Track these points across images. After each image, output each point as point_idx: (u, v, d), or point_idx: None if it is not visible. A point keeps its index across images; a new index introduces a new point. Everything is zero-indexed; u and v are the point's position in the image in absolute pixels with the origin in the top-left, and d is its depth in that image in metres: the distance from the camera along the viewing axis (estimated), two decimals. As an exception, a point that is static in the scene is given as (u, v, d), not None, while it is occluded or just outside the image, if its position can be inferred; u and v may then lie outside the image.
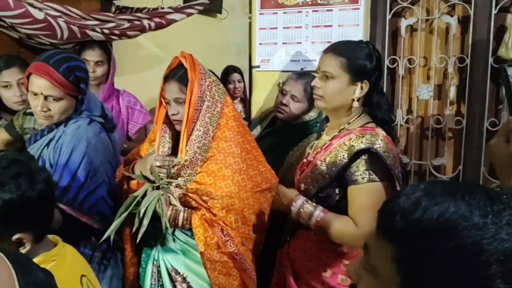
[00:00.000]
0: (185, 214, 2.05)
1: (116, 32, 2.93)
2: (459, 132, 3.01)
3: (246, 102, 4.30)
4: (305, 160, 2.16)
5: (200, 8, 3.32)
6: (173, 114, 2.05)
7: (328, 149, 2.00)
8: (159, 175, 1.99)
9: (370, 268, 0.86)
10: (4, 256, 0.93)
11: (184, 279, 2.09)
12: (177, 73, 2.05)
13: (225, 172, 2.05)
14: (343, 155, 1.91)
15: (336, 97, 1.97)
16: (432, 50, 3.02)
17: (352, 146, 1.89)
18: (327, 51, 2.00)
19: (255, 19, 3.30)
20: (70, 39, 2.85)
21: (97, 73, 3.00)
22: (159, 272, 2.10)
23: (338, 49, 1.98)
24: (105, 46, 3.01)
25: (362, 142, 1.88)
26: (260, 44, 3.31)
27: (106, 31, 2.89)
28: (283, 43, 3.25)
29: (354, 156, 1.87)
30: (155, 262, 2.12)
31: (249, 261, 2.13)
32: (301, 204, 1.97)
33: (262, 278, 2.23)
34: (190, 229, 2.05)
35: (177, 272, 2.10)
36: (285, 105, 2.74)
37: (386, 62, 3.05)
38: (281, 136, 2.83)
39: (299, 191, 2.05)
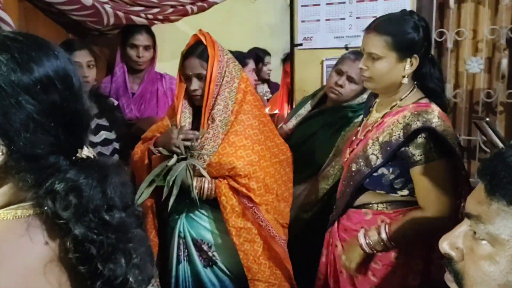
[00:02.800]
0: (210, 184, 2.14)
1: (160, 17, 3.05)
2: (511, 106, 2.86)
3: (271, 83, 4.31)
4: (354, 138, 2.10)
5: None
6: (194, 90, 2.15)
7: (381, 128, 1.93)
8: (184, 148, 2.09)
9: (488, 236, 0.84)
10: None
11: (210, 248, 2.19)
12: (197, 50, 2.14)
13: (245, 143, 2.14)
14: (398, 134, 1.83)
15: (385, 77, 1.88)
16: (483, 21, 2.89)
17: (408, 124, 1.81)
18: (369, 30, 1.89)
19: (297, -3, 3.26)
20: (114, 25, 2.99)
21: (145, 58, 3.08)
22: (184, 243, 2.21)
23: (381, 27, 1.87)
24: (150, 31, 3.10)
25: (418, 120, 1.79)
26: (303, 21, 3.27)
27: (150, 16, 3.01)
28: (326, 20, 3.21)
29: (412, 135, 1.81)
30: (180, 233, 2.22)
31: (276, 230, 2.19)
32: (366, 242, 1.89)
33: (309, 260, 2.28)
34: (215, 199, 2.15)
35: (203, 242, 2.20)
36: (341, 86, 2.61)
37: (434, 35, 2.94)
38: (332, 117, 2.71)
39: (350, 172, 2.01)
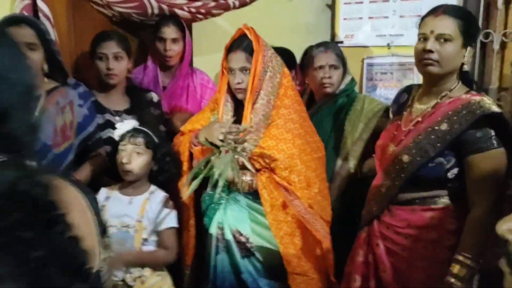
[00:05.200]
0: (251, 177, 2.16)
1: (202, 10, 3.03)
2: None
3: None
4: (395, 133, 2.08)
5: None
6: (238, 83, 2.16)
7: (435, 117, 1.93)
8: (227, 141, 2.11)
9: None
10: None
11: (248, 240, 2.20)
12: (242, 44, 2.16)
13: (286, 136, 2.16)
14: (459, 122, 1.85)
15: (451, 61, 1.90)
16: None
17: (471, 112, 1.83)
18: (438, 13, 1.91)
19: (340, -6, 3.24)
20: (157, 17, 3.01)
21: (172, 51, 2.97)
22: (223, 234, 2.22)
23: (452, 10, 1.91)
24: (179, 23, 3.01)
25: (482, 107, 1.83)
26: (345, 19, 3.27)
27: (193, 9, 3.01)
28: (369, 18, 3.20)
29: (475, 122, 1.82)
30: (219, 225, 2.24)
31: (320, 225, 2.19)
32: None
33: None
34: (255, 192, 2.16)
35: (241, 234, 2.21)
36: (330, 77, 2.66)
37: (480, 36, 2.88)
38: (334, 109, 2.74)
39: (399, 164, 1.98)
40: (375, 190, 2.11)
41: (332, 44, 2.79)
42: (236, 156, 2.09)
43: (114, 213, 2.18)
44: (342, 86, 2.72)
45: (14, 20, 2.17)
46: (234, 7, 3.04)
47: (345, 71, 2.72)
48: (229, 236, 2.20)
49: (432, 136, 1.90)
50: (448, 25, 1.87)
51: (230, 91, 2.25)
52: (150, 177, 2.28)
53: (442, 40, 1.88)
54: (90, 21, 2.94)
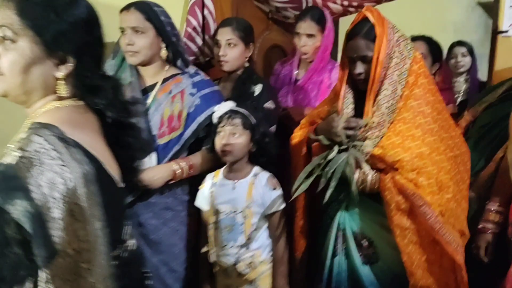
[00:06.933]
0: (373, 177, 1.94)
1: (354, 3, 2.98)
2: None
3: (475, 81, 3.76)
4: None
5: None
6: (358, 74, 1.94)
7: None
8: (346, 138, 1.92)
9: None
10: None
11: (371, 244, 2.00)
12: (362, 29, 1.91)
13: (415, 132, 1.88)
14: None
15: None
16: None
17: None
18: None
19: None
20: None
21: (307, 46, 2.85)
22: (343, 235, 2.04)
23: None
24: (318, 18, 2.85)
25: None
26: (511, 7, 2.88)
27: (345, 3, 2.99)
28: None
29: None
30: (340, 226, 2.05)
31: (453, 236, 1.89)
32: None
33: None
34: (378, 193, 1.94)
35: (363, 236, 2.01)
36: None
37: None
38: None
39: None
40: None
41: None
42: (353, 155, 1.89)
43: (221, 199, 2.18)
44: None
45: (126, 6, 2.20)
46: (386, 0, 2.97)
47: None
48: (350, 239, 2.02)
49: None
50: None
51: (353, 82, 2.02)
52: (252, 159, 2.24)
53: None
54: (250, 16, 3.00)
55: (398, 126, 1.90)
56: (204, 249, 2.24)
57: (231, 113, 2.18)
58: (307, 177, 1.97)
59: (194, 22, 2.85)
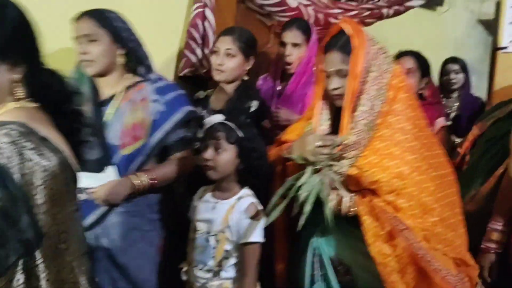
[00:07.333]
0: (349, 201, 1.81)
1: (356, 20, 2.97)
2: None
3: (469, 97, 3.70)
4: None
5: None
6: (334, 89, 1.82)
7: None
8: (320, 157, 1.80)
9: None
10: None
11: (347, 271, 1.87)
12: (338, 41, 1.81)
13: (393, 150, 1.77)
14: None
15: None
16: None
17: None
18: None
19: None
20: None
21: (293, 56, 2.76)
22: (320, 261, 1.91)
23: None
24: (304, 28, 2.80)
25: None
26: (511, 23, 2.95)
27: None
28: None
29: None
30: (315, 251, 1.92)
31: (442, 263, 1.75)
32: None
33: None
34: (355, 217, 1.81)
35: (340, 263, 1.88)
36: None
37: None
38: None
39: None
40: None
41: None
42: (329, 176, 1.77)
43: (200, 217, 2.05)
44: None
45: (78, 16, 2.11)
46: (388, 16, 3.10)
47: None
48: (327, 265, 1.89)
49: None
50: None
51: (330, 97, 1.90)
52: (241, 179, 2.04)
53: None
54: (253, 28, 2.92)
55: (376, 144, 1.78)
56: (182, 266, 2.11)
57: (216, 126, 2.01)
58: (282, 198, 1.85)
59: (196, 34, 2.82)
